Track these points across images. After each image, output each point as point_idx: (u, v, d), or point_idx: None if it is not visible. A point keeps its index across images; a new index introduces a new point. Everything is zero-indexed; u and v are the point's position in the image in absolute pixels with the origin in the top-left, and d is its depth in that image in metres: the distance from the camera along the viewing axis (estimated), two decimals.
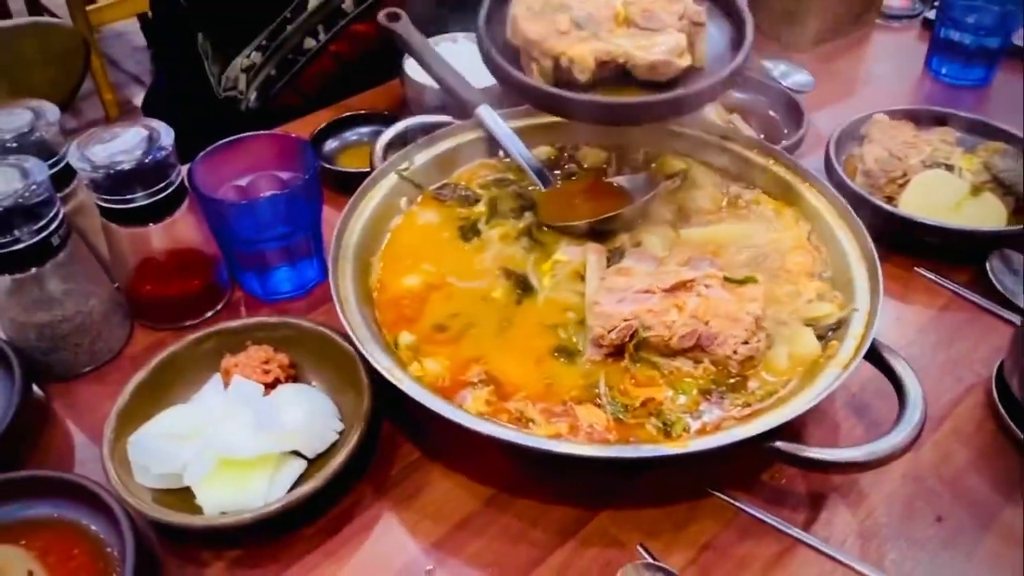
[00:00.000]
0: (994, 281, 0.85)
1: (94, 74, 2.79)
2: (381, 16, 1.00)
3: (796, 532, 0.66)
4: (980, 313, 0.86)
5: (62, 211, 0.75)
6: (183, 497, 0.67)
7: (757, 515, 0.67)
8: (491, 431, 0.62)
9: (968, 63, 1.21)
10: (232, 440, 0.67)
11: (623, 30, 0.82)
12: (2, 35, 1.37)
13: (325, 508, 0.69)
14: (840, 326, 0.72)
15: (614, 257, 0.80)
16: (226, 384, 0.73)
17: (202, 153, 0.83)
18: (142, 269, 0.83)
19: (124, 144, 0.76)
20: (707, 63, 0.85)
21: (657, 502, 0.69)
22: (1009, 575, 0.65)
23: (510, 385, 0.70)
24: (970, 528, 0.67)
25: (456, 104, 0.96)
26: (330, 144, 1.06)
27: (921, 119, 1.04)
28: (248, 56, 1.24)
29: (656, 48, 0.80)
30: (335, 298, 0.72)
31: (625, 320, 0.70)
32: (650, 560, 0.63)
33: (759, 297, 0.72)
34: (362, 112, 1.09)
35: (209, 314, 0.87)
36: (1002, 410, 0.74)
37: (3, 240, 0.71)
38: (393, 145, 0.92)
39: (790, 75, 1.23)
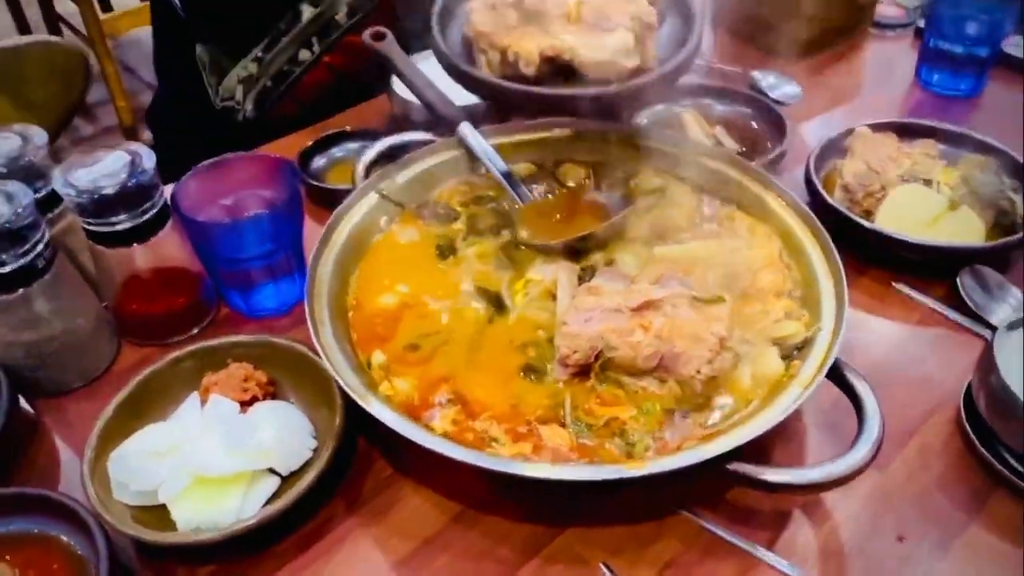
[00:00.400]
0: (965, 298, 0.85)
1: (108, 81, 2.84)
2: (366, 35, 1.02)
3: (758, 552, 0.67)
4: (955, 329, 0.86)
5: (47, 234, 0.78)
6: (161, 514, 0.69)
7: (720, 534, 0.68)
8: (452, 452, 0.63)
9: (958, 73, 1.21)
10: (206, 458, 0.69)
11: (574, 28, 0.83)
12: (4, 54, 1.41)
13: (297, 524, 0.71)
14: (805, 345, 0.73)
15: (586, 275, 0.81)
16: (204, 402, 0.76)
17: (187, 175, 0.85)
18: (128, 288, 0.85)
19: (107, 168, 0.78)
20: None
21: (623, 520, 0.70)
22: None
23: (477, 404, 0.71)
24: (931, 547, 0.68)
25: (439, 121, 0.97)
26: (318, 161, 1.08)
27: (905, 131, 1.04)
28: (245, 67, 1.27)
29: (603, 47, 0.81)
30: (308, 320, 0.74)
31: (591, 340, 0.71)
32: None
33: (724, 317, 0.73)
34: (349, 129, 1.11)
35: (195, 331, 0.89)
36: (968, 428, 0.74)
37: None
38: (377, 163, 0.94)
39: (778, 87, 1.24)
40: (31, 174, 0.81)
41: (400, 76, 1.00)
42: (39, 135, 0.84)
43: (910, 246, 0.88)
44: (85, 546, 0.66)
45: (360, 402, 0.67)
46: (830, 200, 0.94)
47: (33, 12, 3.05)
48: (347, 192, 0.89)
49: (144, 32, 3.40)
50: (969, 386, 0.76)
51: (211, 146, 1.16)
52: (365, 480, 0.75)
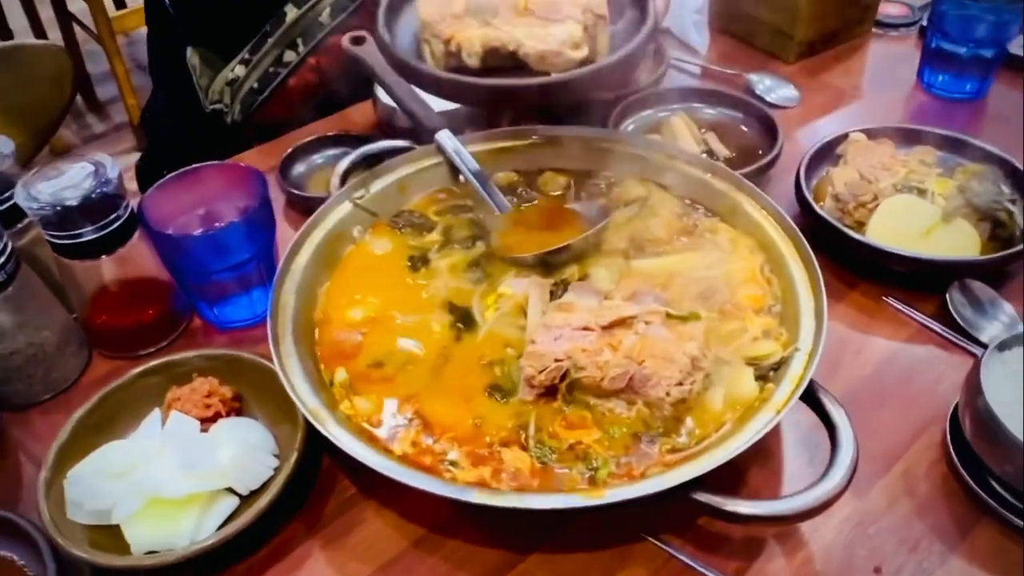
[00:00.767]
0: (954, 314, 0.82)
1: (118, 79, 2.85)
2: (345, 40, 1.00)
3: None
4: (945, 346, 0.83)
5: (10, 246, 0.77)
6: (117, 534, 0.68)
7: (688, 562, 0.66)
8: (405, 478, 0.61)
9: (961, 74, 1.17)
10: (161, 479, 0.67)
11: (523, 19, 0.81)
12: None
13: (255, 546, 0.69)
14: (781, 366, 0.70)
15: (558, 290, 0.79)
16: (166, 419, 0.74)
17: (154, 186, 0.84)
18: (97, 299, 0.84)
19: (70, 180, 0.77)
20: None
21: (588, 546, 0.68)
22: None
23: (439, 425, 0.69)
24: None
25: (419, 128, 0.95)
26: (299, 167, 1.06)
27: (901, 137, 1.01)
28: (232, 70, 1.26)
29: (549, 38, 0.79)
30: (270, 335, 0.72)
31: (557, 360, 0.69)
32: None
33: (699, 336, 0.70)
34: (331, 134, 1.09)
35: (165, 343, 0.88)
36: (952, 452, 0.71)
37: None
38: (355, 170, 0.92)
39: (774, 89, 1.21)
40: None
41: (379, 81, 0.98)
42: (5, 144, 0.82)
43: (901, 259, 0.85)
44: (38, 568, 0.65)
45: (314, 422, 0.65)
46: (819, 210, 0.91)
47: (46, 10, 3.06)
48: (324, 200, 0.88)
49: None
50: (956, 408, 0.73)
51: (203, 149, 1.16)
52: (327, 500, 0.73)
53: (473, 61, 0.80)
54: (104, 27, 2.74)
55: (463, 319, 0.78)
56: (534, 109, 0.92)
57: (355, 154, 0.92)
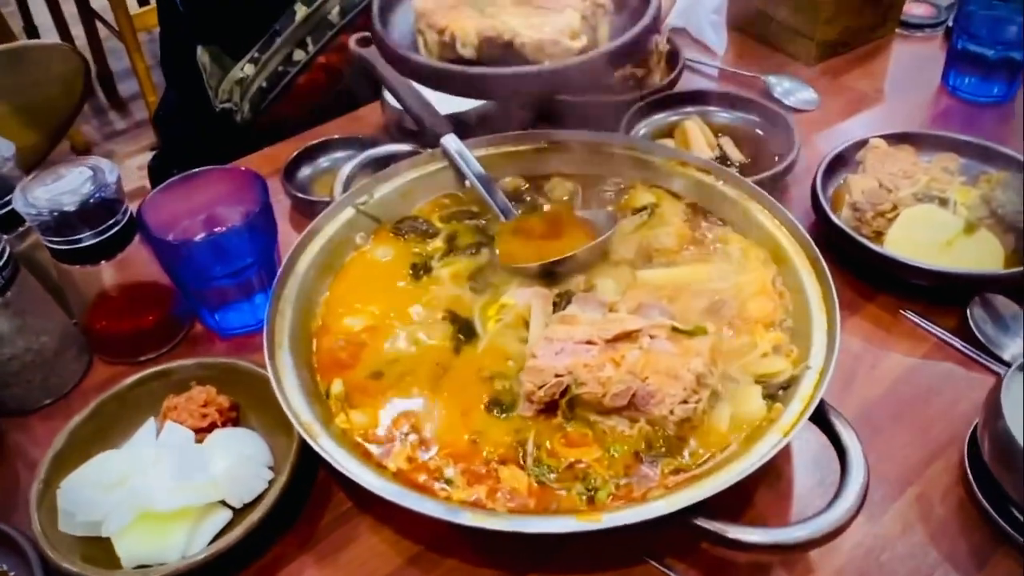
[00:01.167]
0: (975, 330, 0.78)
1: (138, 75, 2.86)
2: (351, 41, 0.99)
3: None
4: (965, 363, 0.80)
5: (8, 251, 0.76)
6: (109, 546, 0.67)
7: None
8: (396, 498, 0.59)
9: (988, 77, 1.13)
10: (153, 492, 0.66)
11: (520, 9, 0.79)
12: (1, 58, 1.41)
13: (248, 560, 0.68)
14: (791, 384, 0.68)
15: (562, 302, 0.76)
16: (161, 428, 0.73)
17: (154, 190, 0.83)
18: (97, 305, 0.83)
19: (68, 185, 0.76)
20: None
21: (586, 568, 0.66)
22: None
23: (436, 440, 0.67)
24: None
25: (424, 131, 0.93)
26: (304, 171, 1.05)
27: (923, 143, 0.97)
28: (242, 69, 1.25)
29: (546, 27, 0.76)
30: (265, 346, 0.71)
31: (557, 376, 0.67)
32: None
33: (705, 352, 0.68)
34: (337, 137, 1.08)
35: (166, 349, 0.87)
36: (970, 476, 0.68)
37: None
38: (360, 175, 0.91)
39: (793, 92, 1.18)
40: None
41: (384, 83, 0.97)
42: (6, 147, 0.82)
43: (920, 272, 0.82)
44: None
45: (307, 438, 0.63)
46: (836, 220, 0.88)
47: (69, 7, 3.08)
48: (328, 204, 0.86)
49: None
50: (975, 430, 0.70)
51: (214, 149, 1.15)
52: (322, 514, 0.72)
53: (468, 52, 0.77)
54: (125, 24, 2.76)
55: (464, 330, 0.76)
56: (530, 101, 0.89)
57: (359, 159, 0.91)
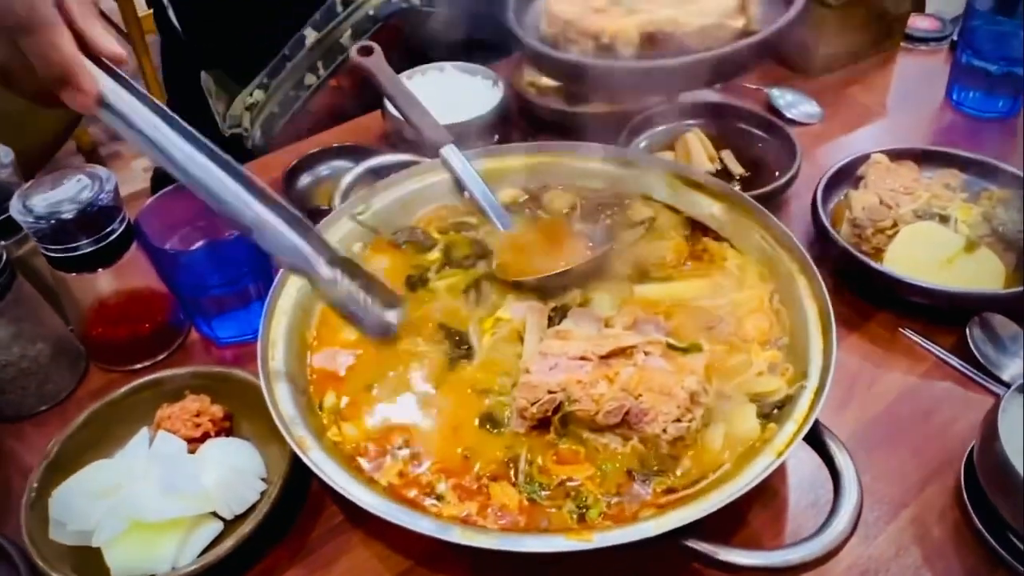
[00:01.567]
0: (974, 350, 0.78)
1: (146, 77, 2.87)
2: (353, 51, 0.98)
3: None
4: (964, 383, 0.79)
5: (4, 257, 0.76)
6: (100, 556, 0.67)
7: None
8: (385, 514, 0.59)
9: (992, 92, 1.12)
10: (144, 502, 0.66)
11: (664, 1, 0.79)
12: None
13: (238, 572, 0.68)
14: (786, 403, 0.67)
15: (557, 316, 0.76)
16: (154, 438, 0.73)
17: (151, 198, 0.83)
18: (94, 312, 0.83)
19: (66, 193, 0.76)
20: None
21: None
22: None
23: (428, 455, 0.67)
24: None
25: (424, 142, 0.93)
26: (303, 179, 1.05)
27: (925, 159, 0.97)
28: (251, 94, 1.24)
29: (707, 11, 0.76)
30: (259, 358, 0.70)
31: (551, 392, 0.66)
32: None
33: (699, 369, 0.68)
34: (337, 146, 1.07)
35: (162, 356, 0.87)
36: (967, 499, 0.67)
37: None
38: (359, 184, 0.90)
39: (796, 105, 1.17)
40: None
41: (384, 93, 0.96)
42: (5, 153, 0.82)
43: (919, 290, 0.81)
44: None
45: (299, 452, 0.63)
46: (835, 236, 0.87)
47: None
48: (327, 213, 0.86)
49: None
50: (972, 451, 0.69)
51: None
52: (314, 526, 0.71)
53: (629, 51, 0.78)
54: (133, 26, 2.76)
55: (459, 343, 0.75)
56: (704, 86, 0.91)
57: (358, 169, 0.90)
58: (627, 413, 0.66)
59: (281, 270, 0.78)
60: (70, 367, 0.84)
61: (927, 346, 0.82)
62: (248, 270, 0.83)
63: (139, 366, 0.86)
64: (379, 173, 0.91)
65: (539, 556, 0.58)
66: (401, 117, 0.99)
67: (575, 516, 0.62)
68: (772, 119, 1.06)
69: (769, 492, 0.71)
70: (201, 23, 1.32)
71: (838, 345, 0.68)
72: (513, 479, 0.65)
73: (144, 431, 0.74)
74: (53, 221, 0.74)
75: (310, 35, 1.18)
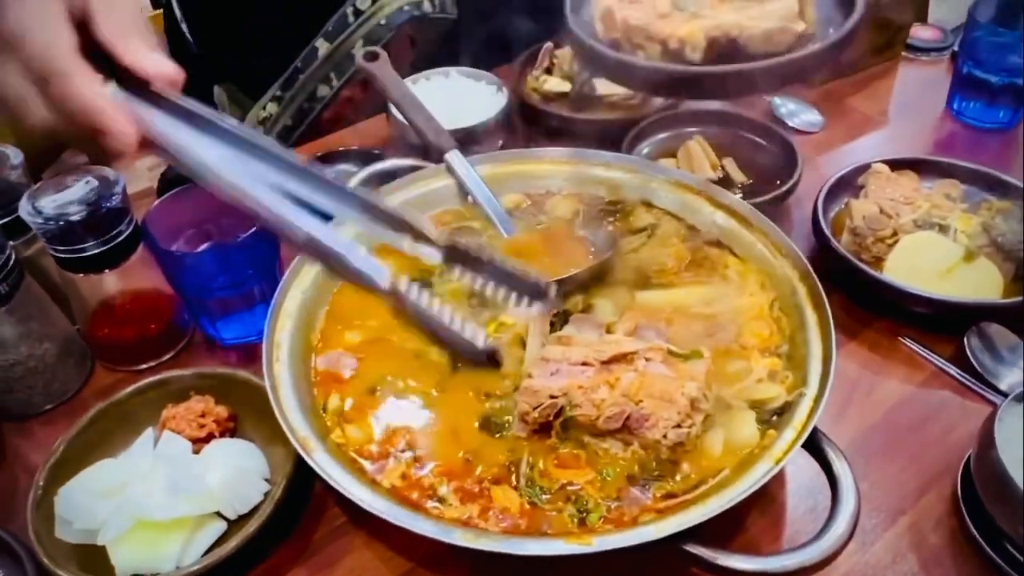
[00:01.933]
0: (972, 360, 0.78)
1: None
2: (359, 56, 0.99)
3: None
4: (962, 392, 0.80)
5: (14, 258, 0.77)
6: (104, 554, 0.67)
7: None
8: (386, 515, 0.60)
9: (993, 103, 1.13)
10: (149, 501, 0.67)
11: (731, 4, 0.80)
12: None
13: (242, 572, 0.68)
14: (785, 410, 0.68)
15: (559, 322, 0.77)
16: (159, 438, 0.74)
17: (158, 200, 0.84)
18: (100, 312, 0.84)
19: (74, 194, 0.77)
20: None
21: None
22: None
23: (430, 458, 0.68)
24: None
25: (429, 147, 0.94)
26: None
27: (925, 169, 0.97)
28: (264, 107, 1.25)
29: (770, 15, 0.77)
30: (264, 360, 0.71)
31: (552, 397, 0.67)
32: None
33: (699, 376, 0.68)
34: (342, 149, 1.08)
35: (167, 356, 0.88)
36: (963, 507, 0.68)
37: None
38: (365, 187, 0.91)
39: (797, 114, 1.18)
40: (4, 195, 0.81)
41: (389, 97, 0.97)
42: (14, 154, 0.83)
43: (918, 299, 0.82)
44: None
45: (303, 453, 0.64)
46: (835, 245, 0.88)
47: None
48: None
49: None
50: (969, 460, 0.70)
51: None
52: (317, 527, 0.72)
53: (697, 56, 0.79)
54: None
55: None
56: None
57: (363, 174, 0.91)
58: (628, 418, 0.66)
59: (286, 273, 0.79)
60: (76, 366, 0.85)
61: (926, 355, 0.83)
62: (253, 272, 0.83)
63: (144, 366, 0.86)
64: (384, 178, 0.92)
65: (540, 559, 0.59)
66: (406, 122, 1.00)
67: (576, 520, 0.63)
68: (774, 127, 1.07)
69: (767, 498, 0.72)
70: (214, 37, 1.33)
71: (837, 353, 0.69)
72: (514, 482, 0.65)
73: (149, 431, 0.75)
74: (62, 222, 0.75)
75: (322, 46, 1.20)
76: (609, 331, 0.75)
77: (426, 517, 0.61)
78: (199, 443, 0.74)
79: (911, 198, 0.92)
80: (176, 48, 1.40)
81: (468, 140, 0.97)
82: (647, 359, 0.70)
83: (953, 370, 0.81)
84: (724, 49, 0.79)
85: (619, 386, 0.67)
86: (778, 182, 0.99)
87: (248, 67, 1.26)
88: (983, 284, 0.84)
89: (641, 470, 0.66)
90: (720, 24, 0.77)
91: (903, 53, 1.30)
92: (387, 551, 0.69)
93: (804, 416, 0.65)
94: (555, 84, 1.13)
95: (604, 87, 1.10)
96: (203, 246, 0.86)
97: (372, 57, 0.99)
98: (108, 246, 0.78)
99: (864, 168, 0.97)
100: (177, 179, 1.47)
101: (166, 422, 0.75)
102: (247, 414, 0.78)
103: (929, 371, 0.82)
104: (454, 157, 0.90)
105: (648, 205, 0.90)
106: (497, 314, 0.79)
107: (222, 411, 0.76)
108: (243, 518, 0.70)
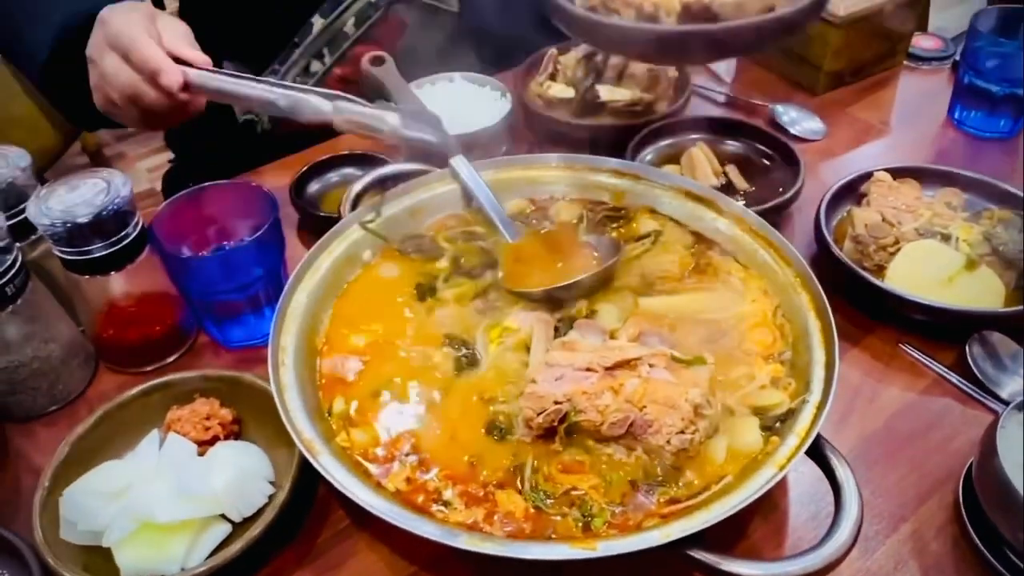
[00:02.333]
0: (973, 368, 0.79)
1: None
2: (364, 60, 1.00)
3: None
4: (963, 400, 0.80)
5: (20, 259, 0.77)
6: (110, 556, 0.68)
7: None
8: (392, 518, 0.60)
9: (994, 112, 1.14)
10: (154, 503, 0.67)
11: None
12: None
13: (246, 574, 0.68)
14: (788, 417, 0.68)
15: (564, 327, 0.77)
16: (164, 440, 0.74)
17: (165, 203, 0.84)
18: (105, 314, 0.84)
19: (82, 196, 0.77)
20: None
21: None
22: None
23: (435, 462, 0.68)
24: None
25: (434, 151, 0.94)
26: (313, 186, 1.06)
27: (927, 177, 0.98)
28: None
29: None
30: (269, 363, 0.71)
31: (556, 402, 0.68)
32: None
33: (703, 382, 0.69)
34: (347, 153, 1.09)
35: (171, 359, 0.88)
36: (965, 515, 0.68)
37: None
38: (369, 192, 0.92)
39: (799, 122, 1.19)
40: (11, 196, 0.81)
41: (395, 102, 0.98)
42: (21, 156, 0.83)
43: (919, 307, 0.82)
44: None
45: (308, 456, 0.64)
46: (837, 252, 0.88)
47: None
48: (337, 220, 0.87)
49: None
50: (970, 467, 0.70)
51: (234, 160, 1.16)
52: (321, 530, 0.72)
53: (671, 21, 0.80)
54: None
55: (466, 352, 0.77)
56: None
57: (368, 177, 0.91)
58: (631, 424, 0.67)
59: (291, 277, 0.79)
60: (81, 368, 0.85)
61: (927, 362, 0.83)
62: (259, 276, 0.84)
63: (149, 368, 0.87)
64: (388, 182, 0.93)
65: (544, 564, 0.59)
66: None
67: (580, 525, 0.63)
68: (776, 135, 1.07)
69: (770, 505, 0.72)
70: (207, 16, 1.34)
71: (839, 360, 0.69)
72: (519, 487, 0.66)
73: (154, 433, 0.75)
74: (69, 224, 0.75)
75: (317, 22, 1.21)
76: (613, 337, 0.76)
77: (431, 520, 0.62)
78: (204, 445, 0.74)
79: (913, 206, 0.92)
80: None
81: (473, 145, 0.97)
82: (651, 365, 0.70)
83: (954, 378, 0.81)
84: (698, 16, 0.80)
85: (623, 392, 0.68)
86: (780, 189, 0.99)
87: (251, 43, 1.27)
88: (984, 293, 0.84)
89: (645, 476, 0.66)
90: None
91: (904, 62, 1.31)
92: (391, 554, 0.70)
93: (807, 423, 0.66)
94: (559, 90, 1.14)
95: (607, 93, 1.11)
96: (209, 249, 0.86)
97: (377, 61, 1.00)
98: (114, 248, 0.79)
99: (866, 176, 0.98)
100: (177, 179, 1.49)
101: (171, 424, 0.75)
102: (252, 417, 0.78)
103: (931, 379, 0.82)
104: (459, 162, 0.91)
105: (651, 211, 0.90)
106: (501, 319, 0.79)
107: (227, 414, 0.77)
108: (248, 521, 0.70)
